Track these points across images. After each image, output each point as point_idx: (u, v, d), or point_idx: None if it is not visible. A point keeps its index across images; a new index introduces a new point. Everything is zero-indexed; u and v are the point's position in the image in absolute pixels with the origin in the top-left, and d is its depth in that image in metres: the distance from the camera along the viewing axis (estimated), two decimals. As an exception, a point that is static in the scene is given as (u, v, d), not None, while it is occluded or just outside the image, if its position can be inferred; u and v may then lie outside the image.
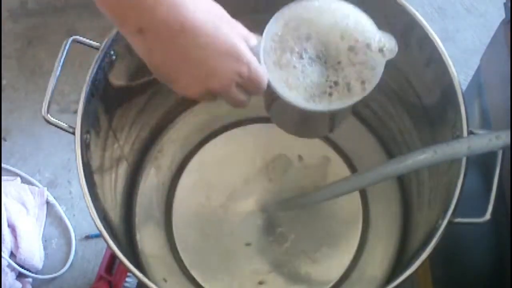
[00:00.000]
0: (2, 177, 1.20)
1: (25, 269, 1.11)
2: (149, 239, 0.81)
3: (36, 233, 1.15)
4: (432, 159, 0.57)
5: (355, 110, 0.89)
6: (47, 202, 1.20)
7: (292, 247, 0.82)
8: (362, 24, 0.56)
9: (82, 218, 1.20)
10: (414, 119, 0.77)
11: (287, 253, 0.81)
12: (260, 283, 0.80)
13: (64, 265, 1.15)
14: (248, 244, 0.82)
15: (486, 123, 0.81)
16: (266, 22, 0.79)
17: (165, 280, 0.78)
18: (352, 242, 0.82)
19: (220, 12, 0.51)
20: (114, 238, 0.61)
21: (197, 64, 0.49)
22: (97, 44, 0.67)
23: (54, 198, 1.21)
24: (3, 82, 1.34)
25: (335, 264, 0.80)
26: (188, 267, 0.81)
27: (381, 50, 0.56)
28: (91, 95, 0.65)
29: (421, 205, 0.75)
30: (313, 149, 0.88)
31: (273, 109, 0.62)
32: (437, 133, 0.70)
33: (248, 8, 0.78)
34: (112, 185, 0.76)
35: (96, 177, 0.67)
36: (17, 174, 1.23)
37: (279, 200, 0.78)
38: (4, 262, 1.07)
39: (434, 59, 0.66)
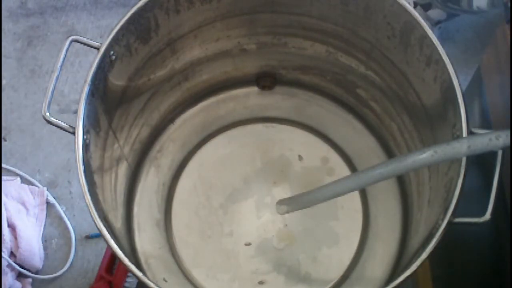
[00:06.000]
0: (2, 177, 1.20)
1: (25, 269, 1.11)
2: (149, 239, 0.81)
3: (36, 233, 1.15)
4: (432, 159, 0.57)
5: (356, 110, 0.90)
6: (47, 202, 1.20)
7: (292, 247, 0.82)
8: None
9: (82, 218, 1.20)
10: (414, 119, 0.77)
11: (287, 253, 0.81)
12: (260, 283, 0.80)
13: (64, 265, 1.15)
14: (248, 244, 0.82)
15: (486, 123, 0.81)
16: (265, 22, 0.80)
17: (165, 280, 0.78)
18: (352, 242, 0.82)
19: None
20: (114, 238, 0.61)
21: None
22: (97, 44, 0.67)
23: (54, 198, 1.21)
24: (3, 82, 1.34)
25: (335, 264, 0.80)
26: (188, 267, 0.81)
27: None
28: (91, 95, 0.65)
29: (421, 205, 0.75)
30: (313, 149, 0.88)
31: None
32: (437, 133, 0.70)
33: (248, 8, 0.78)
34: (112, 185, 0.76)
35: (96, 177, 0.67)
36: (17, 174, 1.23)
37: (279, 200, 0.78)
38: (4, 262, 1.08)
39: (434, 59, 0.66)
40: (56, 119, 0.65)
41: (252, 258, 0.81)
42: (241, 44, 0.84)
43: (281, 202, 0.77)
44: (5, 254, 1.08)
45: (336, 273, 0.80)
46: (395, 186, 0.84)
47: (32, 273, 1.12)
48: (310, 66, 0.87)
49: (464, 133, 0.62)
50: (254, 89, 0.92)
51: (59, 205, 1.20)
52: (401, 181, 0.84)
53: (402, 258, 0.78)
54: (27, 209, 1.17)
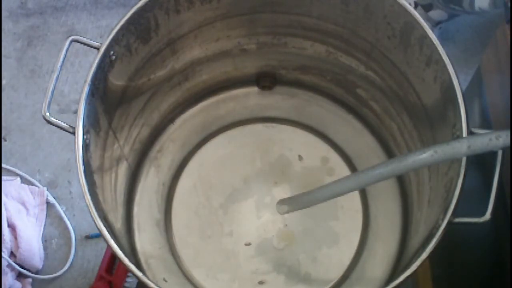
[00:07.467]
0: (2, 177, 1.20)
1: (25, 269, 1.11)
2: (149, 239, 0.81)
3: (36, 233, 1.15)
4: (432, 159, 0.57)
5: (356, 110, 0.90)
6: (47, 202, 1.20)
7: (292, 247, 0.82)
8: None
9: (82, 218, 1.20)
10: (414, 119, 0.77)
11: (287, 253, 0.81)
12: (260, 283, 0.80)
13: (64, 265, 1.15)
14: (248, 244, 0.82)
15: (486, 123, 0.81)
16: (265, 22, 0.80)
17: (165, 280, 0.78)
18: (352, 242, 0.82)
19: None
20: (114, 238, 0.61)
21: None
22: (97, 44, 0.67)
23: (54, 198, 1.21)
24: (3, 82, 1.34)
25: (335, 264, 0.80)
26: (188, 267, 0.81)
27: None
28: (91, 95, 0.65)
29: (421, 205, 0.75)
30: (313, 149, 0.88)
31: None
32: (437, 133, 0.70)
33: (248, 8, 0.78)
34: (112, 185, 0.76)
35: (96, 177, 0.67)
36: (17, 174, 1.23)
37: (279, 200, 0.78)
38: (4, 262, 1.08)
39: (434, 59, 0.66)
40: (56, 119, 0.65)
41: (252, 258, 0.81)
42: (241, 44, 0.84)
43: (281, 202, 0.77)
44: (5, 254, 1.08)
45: (336, 273, 0.80)
46: (395, 186, 0.84)
47: (32, 273, 1.12)
48: (310, 66, 0.87)
49: (464, 133, 0.62)
50: (254, 89, 0.92)
51: (59, 205, 1.20)
52: (401, 181, 0.84)
53: (402, 258, 0.78)
54: (27, 209, 1.17)
